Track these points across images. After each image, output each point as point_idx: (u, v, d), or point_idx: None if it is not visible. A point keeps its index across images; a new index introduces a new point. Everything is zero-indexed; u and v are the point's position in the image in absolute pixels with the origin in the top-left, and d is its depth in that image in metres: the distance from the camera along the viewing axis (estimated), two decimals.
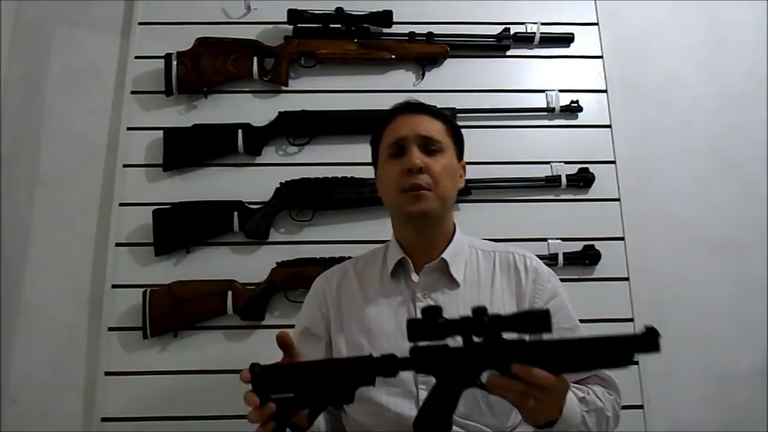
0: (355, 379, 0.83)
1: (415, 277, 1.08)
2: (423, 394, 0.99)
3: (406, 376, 1.00)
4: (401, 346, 1.01)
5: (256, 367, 0.82)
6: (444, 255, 1.08)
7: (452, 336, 0.80)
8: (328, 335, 1.11)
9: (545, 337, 0.79)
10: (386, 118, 1.14)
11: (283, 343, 0.89)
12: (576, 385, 0.99)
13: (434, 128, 1.10)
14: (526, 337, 0.83)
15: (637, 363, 0.81)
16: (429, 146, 1.07)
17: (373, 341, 1.04)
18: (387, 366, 0.83)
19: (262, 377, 0.82)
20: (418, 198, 1.03)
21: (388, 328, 1.05)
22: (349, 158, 1.68)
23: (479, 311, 0.79)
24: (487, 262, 1.11)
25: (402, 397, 1.00)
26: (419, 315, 1.01)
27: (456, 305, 1.04)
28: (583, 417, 0.93)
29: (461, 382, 0.82)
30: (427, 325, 0.80)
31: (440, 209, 1.06)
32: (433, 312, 0.80)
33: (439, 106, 1.66)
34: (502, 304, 1.05)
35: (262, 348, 1.56)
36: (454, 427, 0.96)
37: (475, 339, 0.80)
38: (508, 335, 0.79)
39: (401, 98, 1.18)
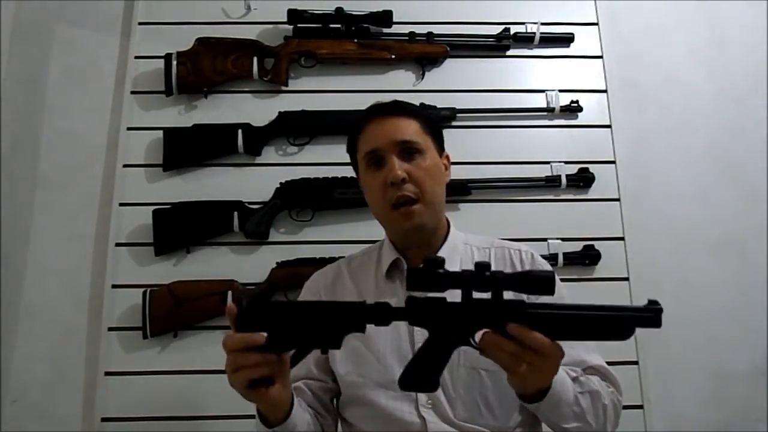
0: (346, 324, 0.80)
1: None
2: (422, 398, 0.98)
3: None
4: (397, 347, 1.01)
5: (243, 301, 0.78)
6: (439, 254, 1.06)
7: (451, 288, 0.79)
8: None
9: (544, 300, 0.78)
10: (359, 125, 1.08)
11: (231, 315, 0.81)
12: (570, 367, 0.97)
13: (410, 130, 1.04)
14: (526, 299, 0.81)
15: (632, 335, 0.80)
16: (408, 150, 1.03)
17: (368, 343, 1.03)
18: (380, 313, 0.81)
19: (250, 312, 0.78)
20: (409, 215, 1.01)
21: (383, 329, 1.02)
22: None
23: (481, 266, 0.76)
24: (483, 258, 1.10)
25: (401, 400, 0.99)
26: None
27: None
28: (576, 397, 0.90)
29: (454, 339, 0.80)
30: (427, 274, 0.77)
31: (433, 218, 1.05)
32: (434, 262, 0.78)
33: (439, 106, 1.69)
34: None
35: None
36: (454, 431, 0.96)
37: (475, 295, 0.78)
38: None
39: (401, 98, 1.16)
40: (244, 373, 0.79)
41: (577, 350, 0.99)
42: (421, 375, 0.81)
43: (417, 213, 1.01)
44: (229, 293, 1.56)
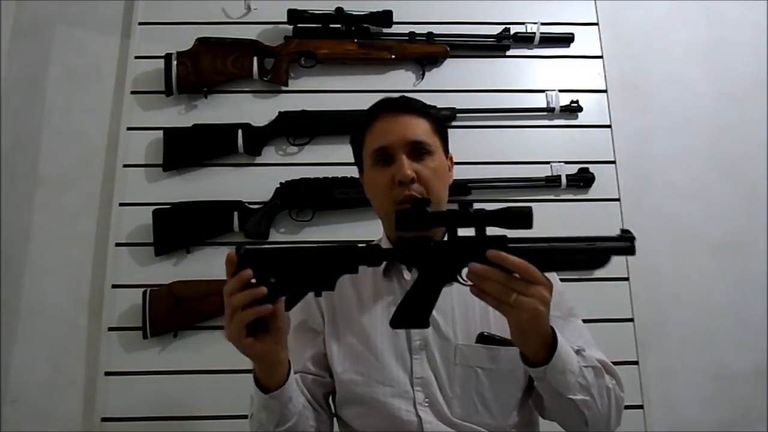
0: (339, 265, 0.84)
1: (407, 275, 1.06)
2: (420, 396, 0.98)
3: (402, 377, 0.99)
4: (394, 345, 1.01)
5: (242, 249, 0.81)
6: None
7: (438, 226, 0.86)
8: (324, 330, 1.08)
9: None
10: (368, 119, 1.06)
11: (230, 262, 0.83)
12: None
13: (420, 130, 1.03)
14: (508, 234, 0.85)
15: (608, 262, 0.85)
16: (418, 150, 1.02)
17: (366, 341, 1.03)
18: (371, 254, 0.85)
19: (248, 259, 0.81)
20: None
21: (381, 327, 1.03)
22: (349, 158, 1.64)
23: (464, 204, 0.82)
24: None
25: (398, 398, 0.99)
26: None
27: (450, 301, 1.02)
28: (581, 369, 0.88)
29: (442, 275, 0.84)
30: (415, 214, 0.83)
31: None
32: (422, 203, 0.85)
33: (439, 106, 1.69)
34: None
35: None
36: (451, 430, 0.96)
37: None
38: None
39: None
40: (240, 317, 0.80)
41: (578, 344, 0.98)
42: (412, 313, 0.84)
43: None
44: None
